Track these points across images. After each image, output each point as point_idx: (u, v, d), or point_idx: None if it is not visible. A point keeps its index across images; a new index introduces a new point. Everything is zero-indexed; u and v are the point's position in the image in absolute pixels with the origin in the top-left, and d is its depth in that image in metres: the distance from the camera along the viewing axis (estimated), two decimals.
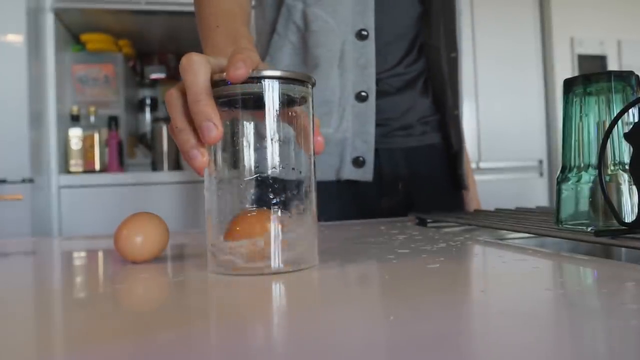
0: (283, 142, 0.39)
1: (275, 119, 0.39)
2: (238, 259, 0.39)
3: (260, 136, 0.39)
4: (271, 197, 0.39)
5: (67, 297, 0.37)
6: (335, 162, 0.82)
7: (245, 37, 0.56)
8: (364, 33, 0.81)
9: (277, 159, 0.39)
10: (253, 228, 0.39)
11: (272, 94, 0.39)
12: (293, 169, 0.40)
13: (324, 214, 0.57)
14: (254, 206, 0.39)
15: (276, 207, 0.39)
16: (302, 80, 0.40)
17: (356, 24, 0.81)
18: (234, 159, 0.40)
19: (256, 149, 0.39)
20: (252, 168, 0.39)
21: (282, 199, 0.39)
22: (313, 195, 0.42)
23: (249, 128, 0.39)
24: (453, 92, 0.89)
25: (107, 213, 1.71)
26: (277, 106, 0.39)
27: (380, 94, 0.84)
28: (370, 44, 0.81)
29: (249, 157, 0.39)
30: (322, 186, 0.67)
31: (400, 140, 0.86)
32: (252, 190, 0.39)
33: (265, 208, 0.39)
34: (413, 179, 0.87)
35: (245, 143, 0.39)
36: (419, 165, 0.88)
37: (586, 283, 0.37)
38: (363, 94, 0.81)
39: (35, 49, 1.64)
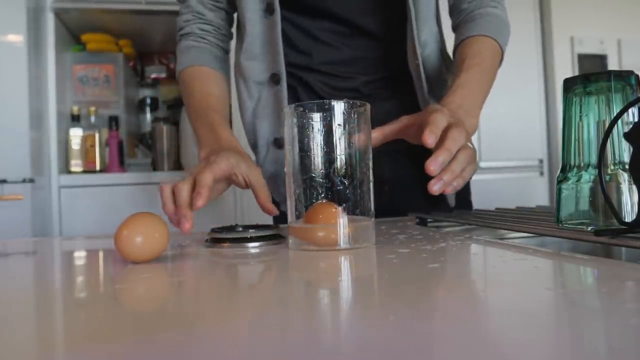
0: (347, 150, 0.51)
1: (339, 135, 0.51)
2: (316, 238, 0.50)
3: (329, 146, 0.51)
4: (339, 191, 0.51)
5: (67, 297, 0.37)
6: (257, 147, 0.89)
7: (220, 126, 0.76)
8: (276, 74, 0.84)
9: (342, 163, 0.51)
10: (329, 216, 0.50)
11: (337, 115, 0.51)
12: (353, 170, 0.52)
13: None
14: (324, 200, 0.51)
15: (343, 200, 0.51)
16: (360, 106, 0.53)
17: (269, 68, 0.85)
18: (309, 163, 0.51)
19: (325, 156, 0.51)
20: (323, 170, 0.51)
21: (346, 194, 0.51)
22: (370, 190, 0.53)
23: (319, 140, 0.51)
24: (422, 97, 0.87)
25: (107, 213, 1.71)
26: (340, 122, 0.51)
27: (367, 98, 0.83)
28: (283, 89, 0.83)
29: (318, 161, 0.51)
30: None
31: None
32: (324, 187, 0.51)
33: (324, 200, 0.51)
34: (396, 182, 0.86)
35: (315, 151, 0.51)
36: (402, 168, 0.87)
37: (586, 282, 0.37)
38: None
39: (35, 49, 1.64)
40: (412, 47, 0.83)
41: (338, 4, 0.84)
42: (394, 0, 0.84)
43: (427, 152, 0.89)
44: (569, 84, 0.52)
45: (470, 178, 0.64)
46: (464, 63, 0.78)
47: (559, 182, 0.52)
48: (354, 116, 0.52)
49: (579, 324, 0.26)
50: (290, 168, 0.53)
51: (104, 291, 0.38)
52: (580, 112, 0.51)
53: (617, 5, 2.29)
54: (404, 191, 0.87)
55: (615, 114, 0.46)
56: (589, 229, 0.48)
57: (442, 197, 0.89)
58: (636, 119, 0.48)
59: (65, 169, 1.83)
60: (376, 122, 0.62)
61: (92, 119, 1.88)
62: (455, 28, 0.87)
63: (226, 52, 0.92)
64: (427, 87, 0.85)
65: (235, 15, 0.93)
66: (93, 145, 1.86)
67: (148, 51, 2.20)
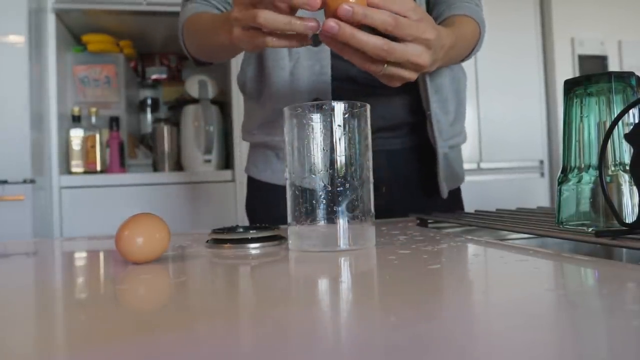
0: (346, 152, 0.51)
1: (339, 135, 0.51)
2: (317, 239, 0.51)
3: (328, 147, 0.51)
4: (338, 192, 0.51)
5: (68, 297, 0.37)
6: None
7: None
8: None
9: (342, 165, 0.51)
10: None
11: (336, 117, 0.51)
12: (353, 171, 0.52)
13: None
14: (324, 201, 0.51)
15: (342, 201, 0.51)
16: (360, 107, 0.53)
17: None
18: (308, 163, 0.52)
19: (324, 156, 0.51)
20: (321, 170, 0.51)
21: (346, 195, 0.51)
22: (370, 191, 0.53)
23: (318, 141, 0.51)
24: (425, 93, 0.87)
25: (108, 214, 1.71)
26: (340, 123, 0.51)
27: (367, 94, 0.83)
28: (326, 49, 0.80)
29: (318, 162, 0.51)
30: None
31: (382, 142, 0.85)
32: (323, 188, 0.51)
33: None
34: (394, 182, 0.87)
35: (315, 152, 0.51)
36: (400, 167, 0.87)
37: (587, 284, 0.37)
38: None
39: (36, 50, 1.64)
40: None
41: None
42: None
43: (425, 151, 0.89)
44: (569, 85, 0.52)
45: (424, 70, 0.60)
46: (452, 25, 0.77)
47: (560, 183, 0.52)
48: (354, 117, 0.52)
49: (579, 325, 0.26)
50: (290, 168, 0.53)
51: (105, 292, 0.39)
52: (581, 114, 0.51)
53: (617, 7, 2.29)
54: (400, 191, 0.88)
55: (615, 115, 0.46)
56: (590, 230, 0.48)
57: (435, 189, 0.88)
58: (637, 120, 0.48)
59: (66, 169, 1.83)
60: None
61: (93, 119, 1.88)
62: (437, 17, 0.85)
63: None
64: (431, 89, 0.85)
65: None
66: (94, 146, 1.86)
67: (149, 52, 2.20)
